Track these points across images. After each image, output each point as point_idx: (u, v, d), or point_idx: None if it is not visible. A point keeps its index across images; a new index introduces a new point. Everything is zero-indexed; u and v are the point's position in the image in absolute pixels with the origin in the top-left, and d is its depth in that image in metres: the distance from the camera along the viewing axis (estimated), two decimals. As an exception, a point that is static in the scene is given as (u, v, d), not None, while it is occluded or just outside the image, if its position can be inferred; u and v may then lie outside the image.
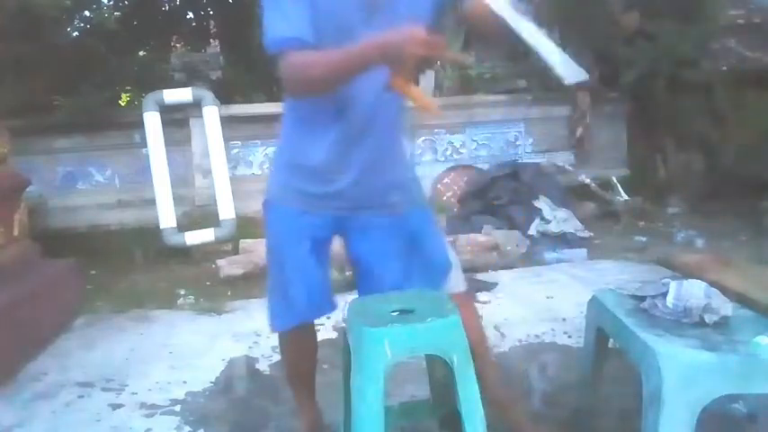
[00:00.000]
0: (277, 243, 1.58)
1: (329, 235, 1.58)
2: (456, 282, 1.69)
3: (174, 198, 4.46)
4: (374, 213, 1.52)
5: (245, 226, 4.37)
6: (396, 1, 1.35)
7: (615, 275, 3.40)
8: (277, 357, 2.57)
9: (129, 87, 5.39)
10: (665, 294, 1.59)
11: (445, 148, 5.51)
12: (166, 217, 4.37)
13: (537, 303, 3.11)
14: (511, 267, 3.83)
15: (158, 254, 4.34)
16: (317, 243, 1.55)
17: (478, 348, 1.66)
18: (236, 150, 4.96)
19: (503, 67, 6.20)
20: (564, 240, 4.31)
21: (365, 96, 1.38)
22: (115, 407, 2.24)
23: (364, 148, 1.44)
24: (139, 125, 4.52)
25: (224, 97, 4.95)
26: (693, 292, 1.54)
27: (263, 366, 2.51)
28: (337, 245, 1.64)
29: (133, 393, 2.34)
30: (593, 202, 5.18)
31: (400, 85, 1.19)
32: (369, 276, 1.58)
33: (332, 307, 1.64)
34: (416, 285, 1.52)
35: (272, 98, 5.19)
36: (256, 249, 3.79)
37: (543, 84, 6.04)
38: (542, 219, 4.48)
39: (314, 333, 1.79)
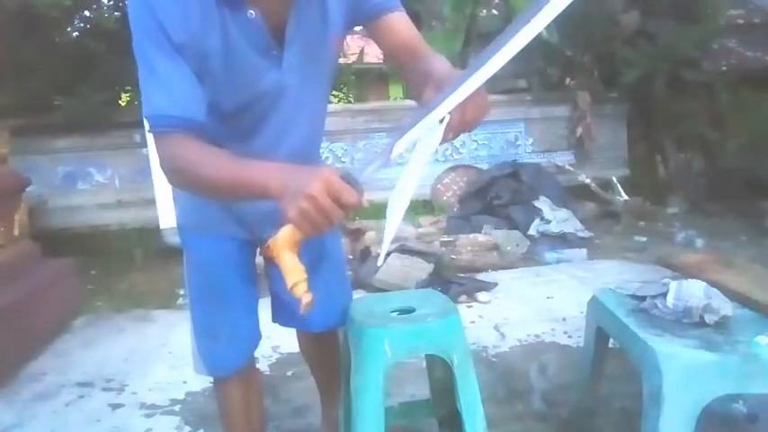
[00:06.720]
0: (209, 275, 1.39)
1: (254, 254, 1.45)
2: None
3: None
4: None
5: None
6: (304, 32, 1.11)
7: (615, 275, 3.39)
8: (277, 356, 2.57)
9: (129, 87, 5.37)
10: (665, 294, 1.59)
11: (445, 148, 5.50)
12: (166, 217, 4.36)
13: (537, 303, 3.11)
14: (511, 267, 3.82)
15: (158, 254, 4.34)
16: (248, 265, 1.43)
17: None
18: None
19: (502, 67, 6.19)
20: (564, 240, 4.31)
21: (276, 115, 1.20)
22: (115, 407, 2.24)
23: None
24: (139, 125, 4.51)
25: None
26: (693, 292, 1.55)
27: (262, 366, 2.50)
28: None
29: (133, 393, 2.34)
30: (593, 202, 5.18)
31: (278, 249, 0.92)
32: (277, 299, 1.49)
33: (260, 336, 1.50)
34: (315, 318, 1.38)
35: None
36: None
37: (543, 84, 6.05)
38: (542, 219, 4.48)
39: (256, 368, 1.62)
